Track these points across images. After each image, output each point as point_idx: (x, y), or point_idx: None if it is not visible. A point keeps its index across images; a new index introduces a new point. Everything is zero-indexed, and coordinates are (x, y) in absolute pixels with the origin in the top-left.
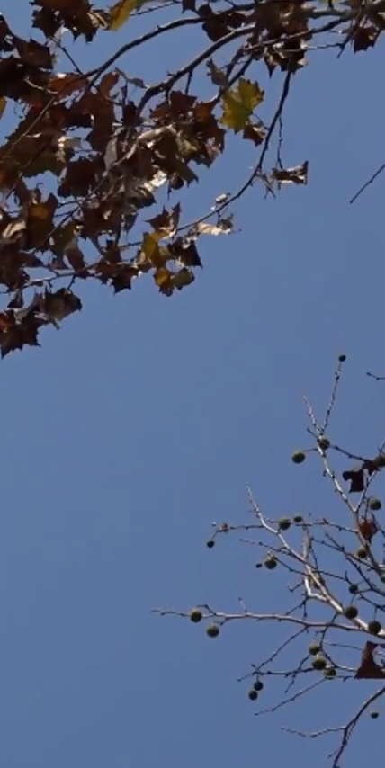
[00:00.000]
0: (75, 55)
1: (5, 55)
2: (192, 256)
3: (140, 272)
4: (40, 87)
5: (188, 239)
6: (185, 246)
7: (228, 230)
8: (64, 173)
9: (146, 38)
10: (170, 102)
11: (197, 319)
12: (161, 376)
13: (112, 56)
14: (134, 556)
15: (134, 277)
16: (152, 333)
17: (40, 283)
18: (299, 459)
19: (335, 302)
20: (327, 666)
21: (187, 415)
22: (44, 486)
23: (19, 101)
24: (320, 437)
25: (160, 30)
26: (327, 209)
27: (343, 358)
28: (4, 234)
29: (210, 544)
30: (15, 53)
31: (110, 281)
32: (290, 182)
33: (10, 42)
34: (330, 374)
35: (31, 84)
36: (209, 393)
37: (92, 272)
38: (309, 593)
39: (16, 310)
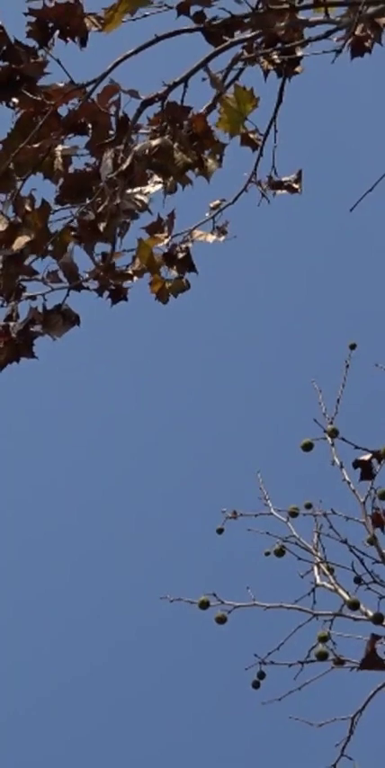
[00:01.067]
0: (69, 61)
1: (2, 63)
2: (187, 265)
3: (135, 278)
4: (35, 97)
5: (183, 246)
6: (180, 256)
7: (223, 238)
8: (61, 181)
9: (143, 47)
10: (165, 113)
11: (206, 308)
12: (170, 365)
13: (110, 66)
14: (143, 543)
15: (129, 282)
16: (162, 322)
17: (34, 297)
18: (307, 447)
19: (346, 293)
20: (333, 656)
21: (197, 403)
22: (51, 475)
23: (12, 106)
24: (329, 426)
25: (158, 39)
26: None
27: (353, 347)
28: (14, 246)
29: (220, 531)
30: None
31: (106, 293)
32: (284, 191)
33: (7, 52)
34: (341, 363)
35: (26, 93)
36: (219, 381)
37: (87, 284)
38: (318, 581)
39: (12, 324)
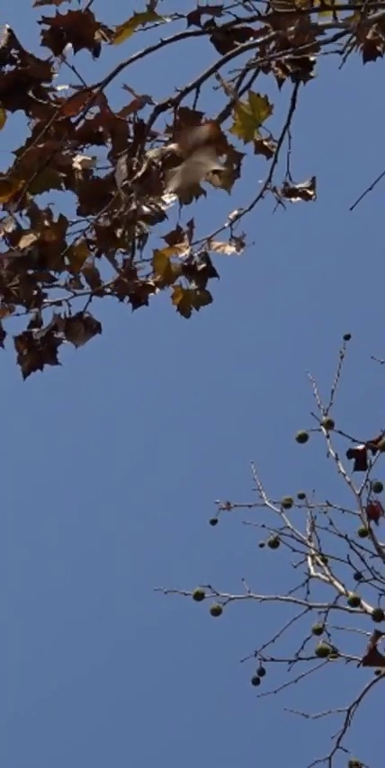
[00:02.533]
0: (74, 64)
1: (11, 68)
2: (207, 274)
3: (157, 290)
4: (42, 101)
5: (201, 254)
6: (200, 267)
7: (242, 250)
8: (80, 191)
9: (148, 51)
10: (178, 118)
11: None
12: (165, 359)
13: (114, 69)
14: (138, 534)
15: (152, 294)
16: (157, 318)
17: (59, 303)
18: (302, 439)
19: (340, 282)
20: (330, 648)
21: (192, 395)
22: (50, 474)
23: (27, 114)
24: (324, 418)
25: (163, 42)
26: (334, 205)
27: (348, 337)
28: (21, 244)
29: (214, 522)
30: (20, 66)
31: (127, 298)
32: (299, 198)
33: (16, 56)
34: (335, 353)
35: (34, 98)
36: (214, 373)
37: (109, 290)
38: (312, 572)
39: (35, 330)
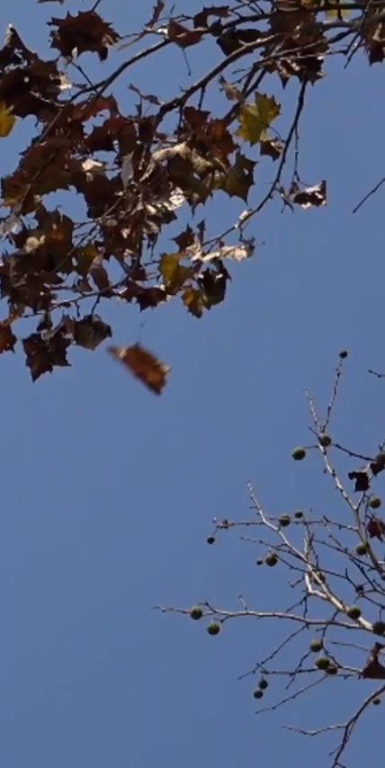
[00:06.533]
0: (79, 65)
1: (13, 68)
2: (225, 282)
3: (168, 297)
4: (47, 101)
5: (214, 260)
6: (217, 278)
7: (252, 254)
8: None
9: (152, 50)
10: (184, 118)
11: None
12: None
13: (118, 68)
14: (135, 552)
15: (163, 302)
16: (161, 334)
17: (67, 304)
18: (299, 456)
19: (337, 299)
20: (329, 660)
21: (188, 410)
22: (47, 484)
23: (37, 116)
24: (321, 434)
25: (166, 42)
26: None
27: (344, 354)
28: (26, 247)
29: (211, 540)
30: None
31: (134, 299)
32: (309, 204)
33: (20, 56)
34: (332, 371)
35: (40, 99)
36: (210, 389)
37: (117, 291)
38: (310, 590)
39: (44, 332)
